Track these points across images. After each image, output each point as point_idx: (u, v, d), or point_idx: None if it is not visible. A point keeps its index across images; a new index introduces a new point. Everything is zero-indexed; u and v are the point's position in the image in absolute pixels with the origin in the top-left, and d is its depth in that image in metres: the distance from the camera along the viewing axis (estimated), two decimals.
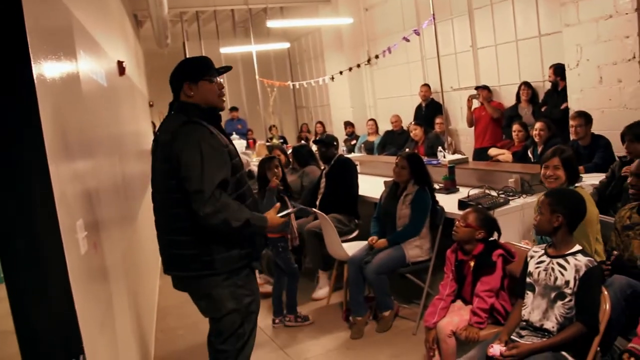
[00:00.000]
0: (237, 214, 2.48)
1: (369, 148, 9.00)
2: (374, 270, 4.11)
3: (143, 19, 10.83)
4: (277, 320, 4.53)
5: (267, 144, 8.59)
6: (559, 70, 6.28)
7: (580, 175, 3.57)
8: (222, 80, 2.79)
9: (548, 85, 6.63)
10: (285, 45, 11.82)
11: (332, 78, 8.91)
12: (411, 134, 7.89)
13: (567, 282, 2.55)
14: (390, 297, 4.27)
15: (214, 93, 2.68)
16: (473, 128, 7.53)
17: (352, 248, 4.45)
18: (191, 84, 2.62)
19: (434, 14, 5.87)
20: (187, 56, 7.89)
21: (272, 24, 9.19)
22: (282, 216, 2.77)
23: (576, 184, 3.48)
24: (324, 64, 11.47)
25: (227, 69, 2.86)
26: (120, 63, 4.51)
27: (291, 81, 11.14)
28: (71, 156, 2.02)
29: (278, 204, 2.97)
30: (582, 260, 2.56)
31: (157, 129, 2.71)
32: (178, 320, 4.81)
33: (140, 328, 3.61)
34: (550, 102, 6.44)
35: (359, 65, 8.54)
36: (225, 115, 12.71)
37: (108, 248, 2.65)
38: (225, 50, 10.84)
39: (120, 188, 3.47)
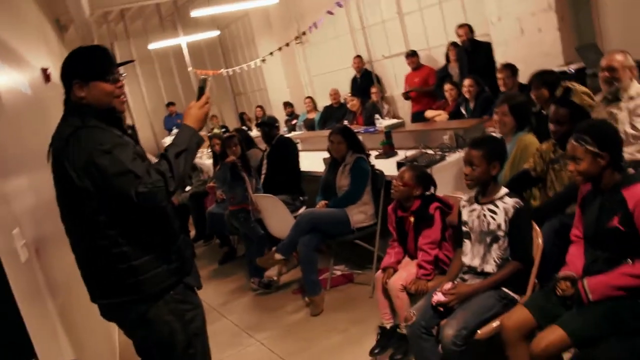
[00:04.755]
0: (174, 166, 2.08)
1: (309, 126, 9.04)
2: (308, 220, 4.20)
3: (66, 23, 10.54)
4: (252, 280, 4.88)
5: (208, 134, 8.54)
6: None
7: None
8: (123, 74, 2.26)
9: None
10: (215, 33, 11.69)
11: (264, 60, 8.90)
12: (348, 106, 7.98)
13: (499, 226, 2.69)
14: (319, 281, 4.32)
15: (110, 95, 2.17)
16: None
17: None
18: (82, 84, 2.13)
19: None
20: (118, 56, 7.70)
21: (196, 13, 9.06)
22: (199, 98, 2.25)
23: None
24: (256, 48, 11.40)
25: (127, 62, 2.43)
26: (44, 70, 4.43)
27: (224, 68, 11.06)
28: None
29: None
30: (509, 202, 2.69)
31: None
32: None
33: (105, 329, 3.62)
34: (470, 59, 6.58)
35: (288, 44, 8.55)
36: (163, 111, 12.56)
37: (57, 256, 2.65)
38: (153, 45, 10.66)
39: None
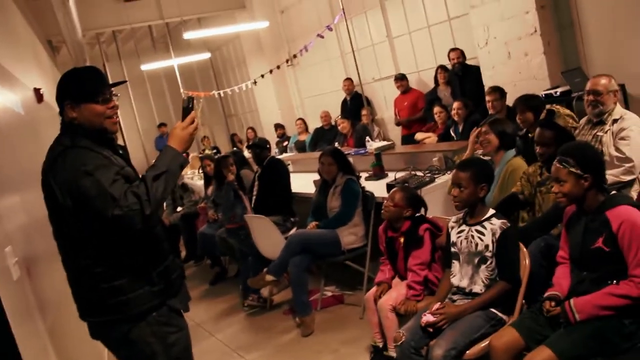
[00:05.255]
0: (151, 189, 2.04)
1: (300, 148, 9.08)
2: (299, 241, 4.23)
3: (58, 44, 10.59)
4: (245, 303, 4.91)
5: (200, 155, 8.58)
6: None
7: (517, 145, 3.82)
8: (117, 96, 2.26)
9: None
10: (206, 55, 11.79)
11: (255, 82, 8.97)
12: (339, 128, 8.04)
13: (486, 247, 2.73)
14: (309, 301, 4.32)
15: (100, 116, 2.17)
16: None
17: None
18: (73, 105, 2.15)
19: (343, 9, 6.04)
20: (109, 77, 7.70)
21: (188, 35, 9.16)
22: (185, 116, 2.21)
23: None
24: (247, 70, 11.51)
25: (119, 83, 2.38)
26: (37, 90, 4.46)
27: (216, 90, 11.14)
28: None
29: None
30: (496, 223, 2.74)
31: None
32: None
33: (94, 349, 3.60)
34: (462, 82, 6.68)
35: (279, 67, 8.64)
36: (154, 132, 12.60)
37: (47, 275, 2.66)
38: (146, 67, 10.73)
39: None
